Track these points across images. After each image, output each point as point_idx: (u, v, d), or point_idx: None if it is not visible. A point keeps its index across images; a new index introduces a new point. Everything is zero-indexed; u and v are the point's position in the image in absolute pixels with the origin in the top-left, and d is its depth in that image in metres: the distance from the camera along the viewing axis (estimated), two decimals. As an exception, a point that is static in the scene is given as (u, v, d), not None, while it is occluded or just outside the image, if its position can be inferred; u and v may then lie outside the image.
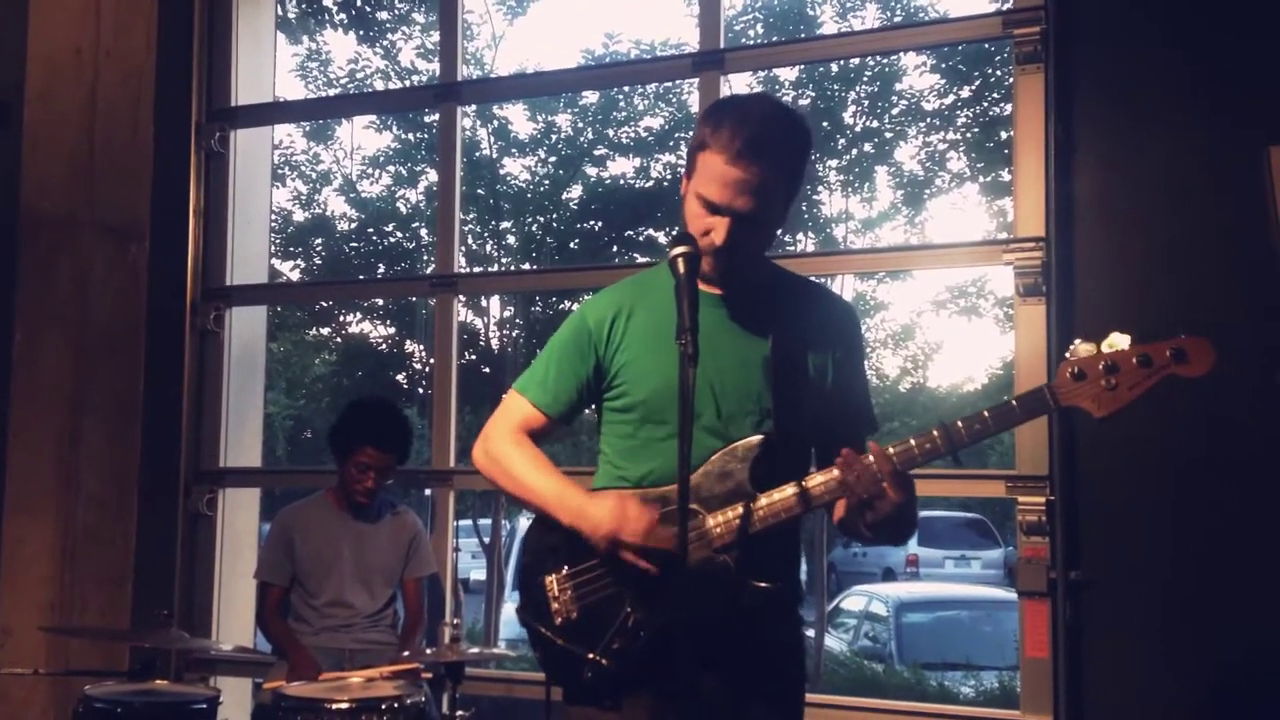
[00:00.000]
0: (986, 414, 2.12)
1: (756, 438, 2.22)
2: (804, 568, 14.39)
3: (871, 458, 2.12)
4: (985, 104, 10.93)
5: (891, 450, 2.13)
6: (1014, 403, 2.13)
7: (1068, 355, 2.09)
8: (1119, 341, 2.06)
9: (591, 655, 2.21)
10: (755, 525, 2.17)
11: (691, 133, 2.31)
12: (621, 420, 2.35)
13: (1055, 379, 2.09)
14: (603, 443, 2.41)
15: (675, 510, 1.97)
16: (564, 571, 2.28)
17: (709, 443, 2.22)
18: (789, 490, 2.17)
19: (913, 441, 2.13)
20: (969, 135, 11.21)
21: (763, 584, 2.19)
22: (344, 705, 3.25)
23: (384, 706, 3.26)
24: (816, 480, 2.17)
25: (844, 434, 2.30)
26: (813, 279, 2.54)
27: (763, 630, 2.26)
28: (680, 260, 2.10)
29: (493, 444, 2.41)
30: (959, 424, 2.12)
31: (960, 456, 2.14)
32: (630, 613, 2.20)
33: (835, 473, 2.14)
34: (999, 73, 10.29)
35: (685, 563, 2.00)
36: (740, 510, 2.17)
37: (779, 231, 2.37)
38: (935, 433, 2.12)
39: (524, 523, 12.13)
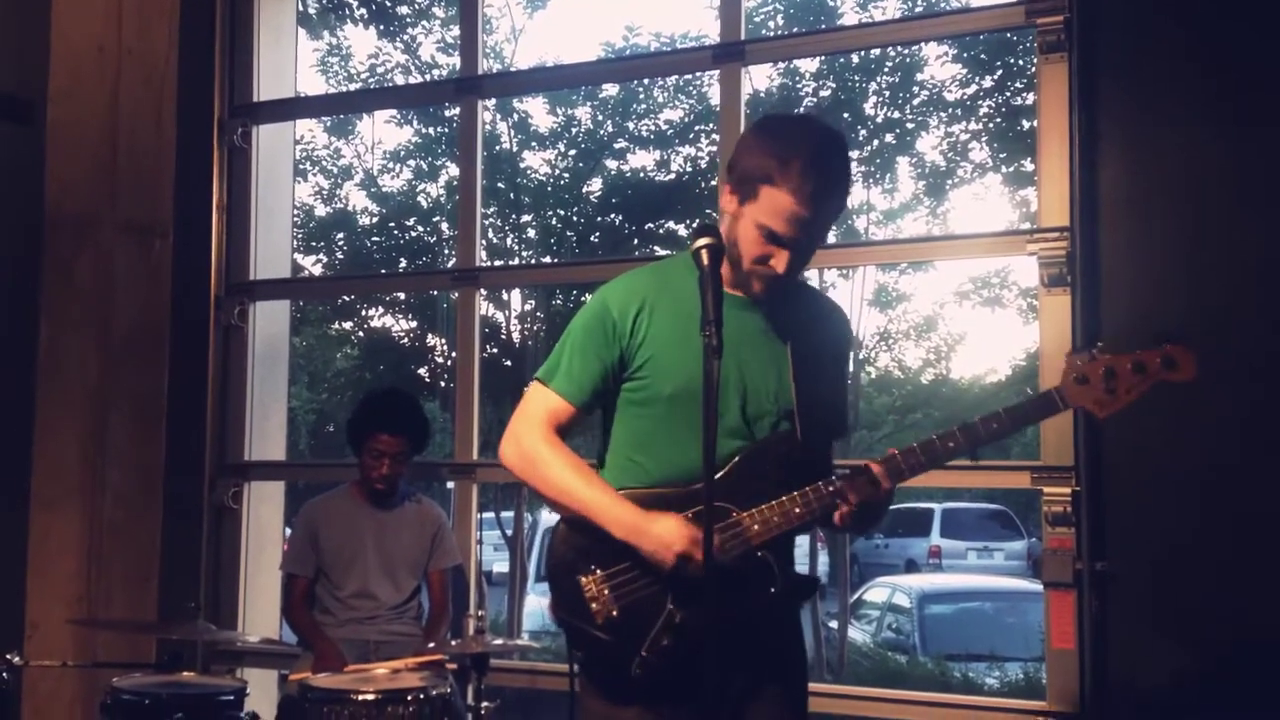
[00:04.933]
0: (1003, 411, 2.31)
1: (779, 434, 2.30)
2: (826, 560, 14.38)
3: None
4: (1008, 94, 10.86)
5: (916, 445, 2.29)
6: (1026, 404, 2.36)
7: (1066, 364, 2.32)
8: (1108, 351, 2.31)
9: (645, 652, 2.24)
10: (792, 522, 2.24)
11: (740, 146, 2.31)
12: (642, 414, 2.36)
13: (1061, 383, 2.31)
14: (615, 430, 2.41)
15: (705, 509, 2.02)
16: (597, 573, 2.30)
17: (730, 443, 2.27)
18: (821, 488, 2.25)
19: (935, 438, 2.29)
20: (991, 125, 11.13)
21: (805, 576, 2.32)
22: (370, 696, 3.26)
23: (409, 698, 3.27)
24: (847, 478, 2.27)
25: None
26: (808, 283, 2.65)
27: (779, 619, 2.37)
28: (704, 252, 2.11)
29: (526, 443, 2.38)
30: (977, 420, 2.29)
31: (978, 452, 2.32)
32: (674, 610, 2.24)
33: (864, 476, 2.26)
34: (1021, 62, 10.23)
35: (719, 564, 2.08)
36: (776, 507, 2.24)
37: None
38: (957, 430, 2.28)
39: (545, 515, 12.14)
